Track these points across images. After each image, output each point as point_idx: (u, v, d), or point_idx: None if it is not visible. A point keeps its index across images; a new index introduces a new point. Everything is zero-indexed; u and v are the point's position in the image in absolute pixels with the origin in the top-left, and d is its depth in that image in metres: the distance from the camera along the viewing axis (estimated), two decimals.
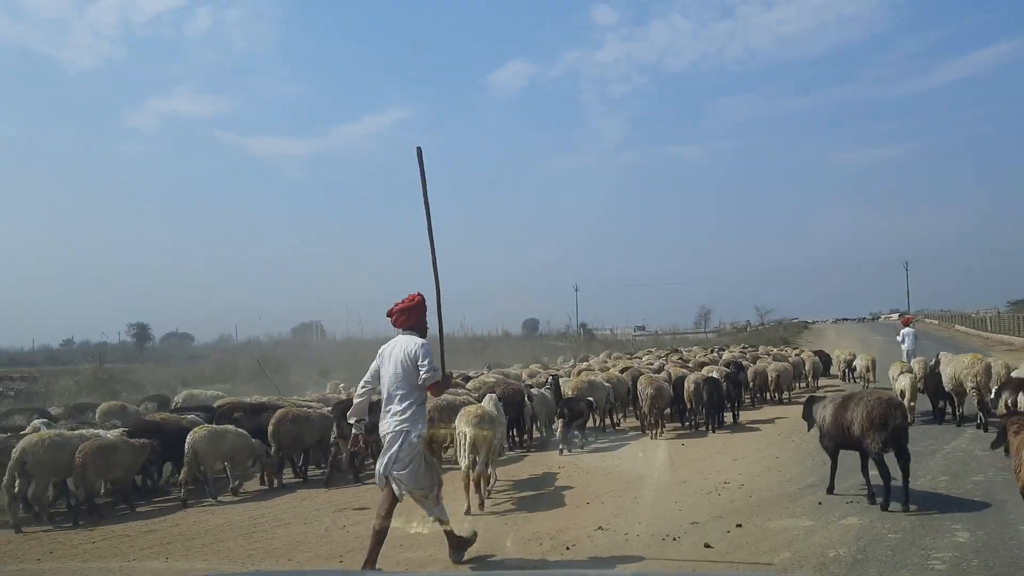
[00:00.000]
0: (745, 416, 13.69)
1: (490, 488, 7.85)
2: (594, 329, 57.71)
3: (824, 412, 7.23)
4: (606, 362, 20.53)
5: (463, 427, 7.29)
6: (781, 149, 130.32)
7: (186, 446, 8.31)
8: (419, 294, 5.59)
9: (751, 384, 15.73)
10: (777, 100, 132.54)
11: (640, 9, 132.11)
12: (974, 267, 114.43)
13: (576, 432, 10.91)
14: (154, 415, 9.95)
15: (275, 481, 9.12)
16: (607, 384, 12.84)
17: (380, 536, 5.16)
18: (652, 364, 17.78)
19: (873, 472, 6.77)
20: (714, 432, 12.18)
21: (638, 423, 12.98)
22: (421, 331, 5.52)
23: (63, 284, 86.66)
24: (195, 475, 8.42)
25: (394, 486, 5.21)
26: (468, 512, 7.05)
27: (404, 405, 5.26)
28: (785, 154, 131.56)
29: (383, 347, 5.56)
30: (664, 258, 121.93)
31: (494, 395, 8.67)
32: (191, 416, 9.72)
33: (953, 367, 11.45)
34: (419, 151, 5.92)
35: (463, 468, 7.21)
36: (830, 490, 7.23)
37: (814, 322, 65.01)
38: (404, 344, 5.38)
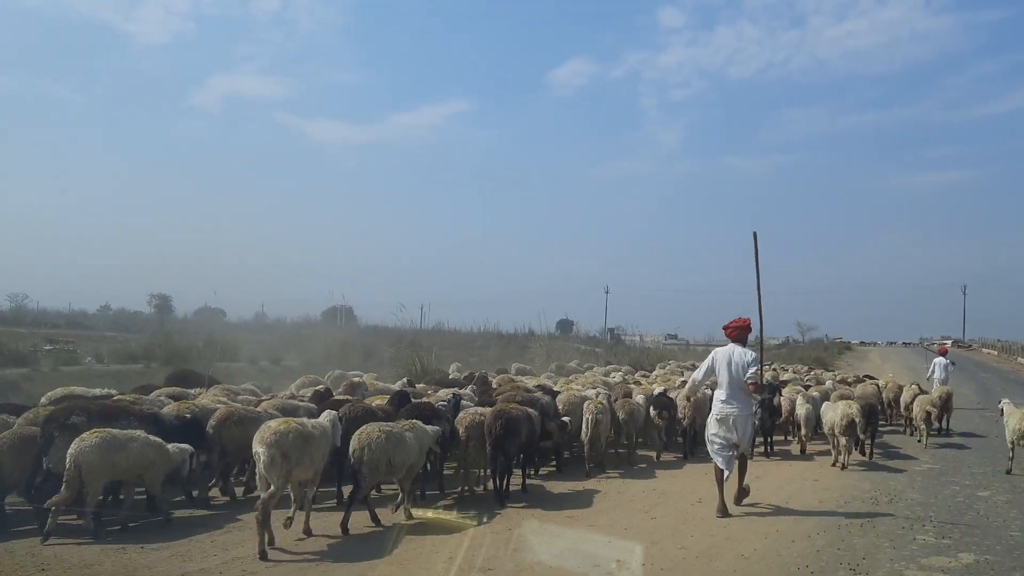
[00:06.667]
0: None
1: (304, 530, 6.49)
2: (623, 334, 55.55)
3: None
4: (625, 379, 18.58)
5: (256, 445, 6.14)
6: (840, 168, 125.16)
7: (68, 458, 6.12)
8: (748, 319, 7.68)
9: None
10: (841, 116, 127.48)
11: (708, 13, 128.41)
12: None
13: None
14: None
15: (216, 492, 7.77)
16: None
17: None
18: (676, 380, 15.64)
19: None
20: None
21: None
22: (744, 343, 7.62)
23: (109, 251, 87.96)
24: (74, 498, 6.15)
25: (735, 454, 7.40)
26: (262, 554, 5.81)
27: (740, 395, 7.37)
28: (844, 173, 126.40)
29: (717, 352, 7.58)
30: (706, 267, 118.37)
31: (334, 412, 7.18)
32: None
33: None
34: (755, 236, 8.45)
35: (264, 496, 6.03)
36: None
37: (858, 343, 61.62)
38: (740, 353, 7.44)
